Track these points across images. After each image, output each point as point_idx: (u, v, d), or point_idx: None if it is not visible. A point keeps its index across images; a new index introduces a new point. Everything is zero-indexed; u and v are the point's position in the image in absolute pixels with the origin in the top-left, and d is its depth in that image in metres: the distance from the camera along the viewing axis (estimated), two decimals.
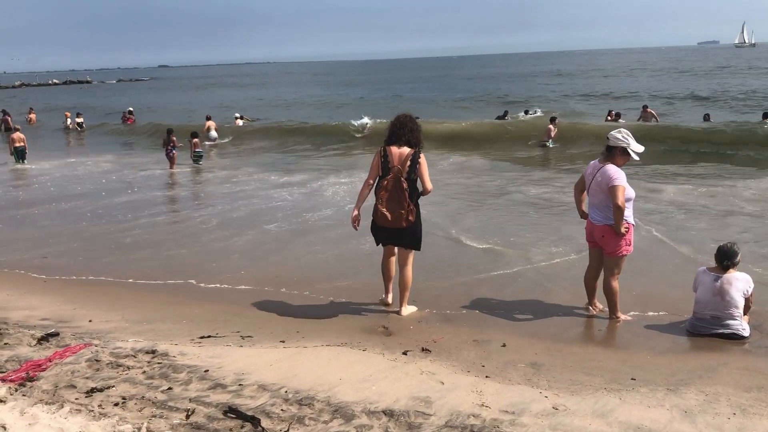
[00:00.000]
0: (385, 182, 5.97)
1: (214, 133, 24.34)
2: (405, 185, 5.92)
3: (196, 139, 19.09)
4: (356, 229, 6.35)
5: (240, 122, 28.45)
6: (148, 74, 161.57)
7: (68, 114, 33.18)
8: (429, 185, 6.07)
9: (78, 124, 31.39)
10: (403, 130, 6.09)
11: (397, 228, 6.04)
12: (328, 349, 5.23)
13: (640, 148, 5.91)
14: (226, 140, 24.70)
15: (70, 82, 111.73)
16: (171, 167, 17.73)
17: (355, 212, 6.25)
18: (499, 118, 26.21)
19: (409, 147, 6.07)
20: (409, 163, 5.97)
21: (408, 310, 6.35)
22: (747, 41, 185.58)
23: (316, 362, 4.90)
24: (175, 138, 18.16)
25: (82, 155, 22.36)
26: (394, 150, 6.06)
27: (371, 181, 6.20)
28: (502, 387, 4.49)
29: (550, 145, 20.21)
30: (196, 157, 18.81)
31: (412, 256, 6.30)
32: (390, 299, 6.56)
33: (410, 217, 5.95)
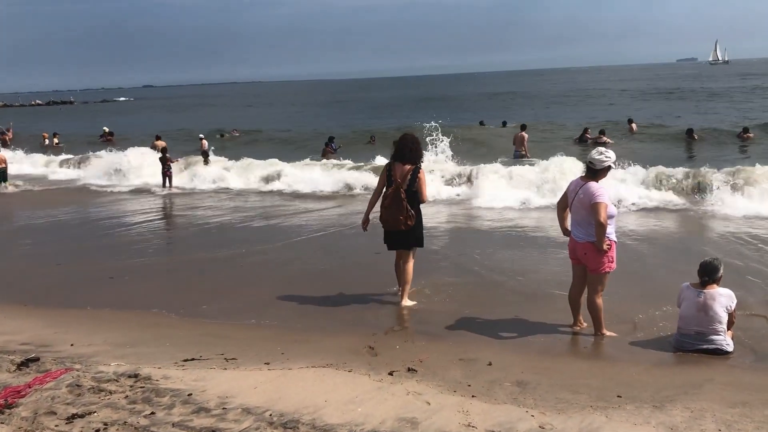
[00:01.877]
0: (388, 192, 6.93)
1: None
2: (403, 195, 6.84)
3: (204, 141, 19.59)
4: (365, 230, 7.30)
5: (206, 142, 27.64)
6: (130, 95, 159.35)
7: (46, 135, 32.78)
8: (425, 196, 7.03)
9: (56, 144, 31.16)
10: (405, 150, 7.01)
11: (399, 231, 6.93)
12: (313, 371, 5.19)
13: (614, 157, 6.07)
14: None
15: (53, 103, 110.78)
16: (169, 187, 17.86)
17: (365, 217, 7.26)
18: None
19: (411, 164, 6.97)
20: (409, 177, 6.91)
21: (407, 302, 7.16)
22: (721, 58, 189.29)
23: (301, 384, 4.86)
24: (169, 156, 18.33)
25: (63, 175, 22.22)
26: (398, 166, 7.00)
27: (378, 191, 7.14)
28: (488, 406, 4.47)
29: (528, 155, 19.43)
30: (205, 156, 19.83)
31: (411, 255, 7.14)
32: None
33: (409, 222, 6.87)
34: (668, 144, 22.27)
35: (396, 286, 7.35)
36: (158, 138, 24.55)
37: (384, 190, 7.04)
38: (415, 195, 6.92)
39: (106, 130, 33.20)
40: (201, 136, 26.61)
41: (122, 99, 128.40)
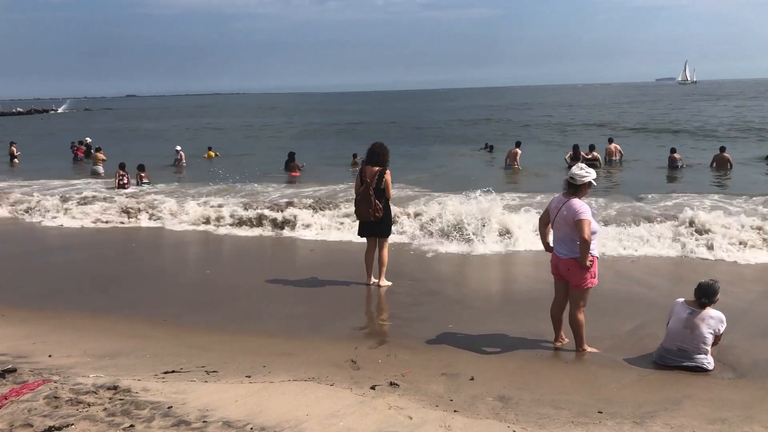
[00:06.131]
0: (360, 190, 8.24)
1: (100, 168, 22.25)
2: (371, 192, 8.14)
3: (143, 173, 19.23)
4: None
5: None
6: (113, 104, 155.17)
7: None
8: (390, 193, 8.37)
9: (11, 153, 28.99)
10: (373, 156, 8.28)
11: (371, 221, 8.20)
12: (295, 384, 5.16)
13: (594, 173, 6.14)
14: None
15: (35, 111, 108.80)
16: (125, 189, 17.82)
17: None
18: (482, 149, 26.99)
19: (378, 166, 8.22)
20: (376, 177, 8.19)
21: (385, 282, 8.39)
22: (689, 79, 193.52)
23: (283, 398, 4.82)
24: (144, 174, 18.64)
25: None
26: (368, 168, 8.27)
27: (356, 189, 8.33)
28: (470, 421, 4.47)
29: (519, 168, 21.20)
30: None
31: (386, 243, 8.47)
32: (372, 281, 8.42)
33: (377, 214, 8.15)
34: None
35: (368, 279, 8.41)
36: (98, 150, 24.09)
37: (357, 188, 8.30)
38: (383, 192, 8.22)
39: (88, 140, 29.89)
40: (178, 147, 25.48)
41: (68, 109, 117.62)
